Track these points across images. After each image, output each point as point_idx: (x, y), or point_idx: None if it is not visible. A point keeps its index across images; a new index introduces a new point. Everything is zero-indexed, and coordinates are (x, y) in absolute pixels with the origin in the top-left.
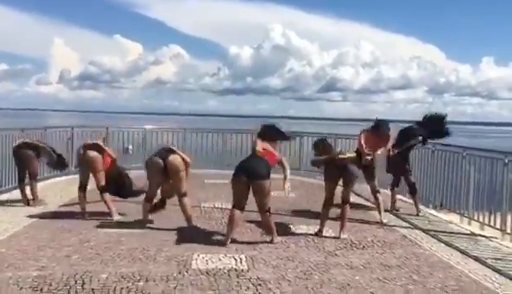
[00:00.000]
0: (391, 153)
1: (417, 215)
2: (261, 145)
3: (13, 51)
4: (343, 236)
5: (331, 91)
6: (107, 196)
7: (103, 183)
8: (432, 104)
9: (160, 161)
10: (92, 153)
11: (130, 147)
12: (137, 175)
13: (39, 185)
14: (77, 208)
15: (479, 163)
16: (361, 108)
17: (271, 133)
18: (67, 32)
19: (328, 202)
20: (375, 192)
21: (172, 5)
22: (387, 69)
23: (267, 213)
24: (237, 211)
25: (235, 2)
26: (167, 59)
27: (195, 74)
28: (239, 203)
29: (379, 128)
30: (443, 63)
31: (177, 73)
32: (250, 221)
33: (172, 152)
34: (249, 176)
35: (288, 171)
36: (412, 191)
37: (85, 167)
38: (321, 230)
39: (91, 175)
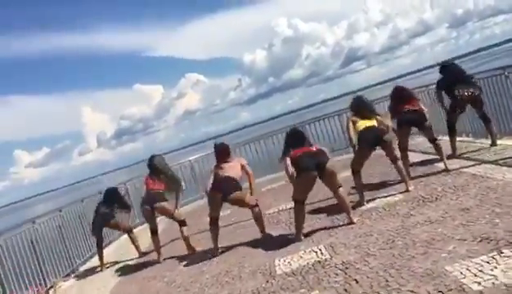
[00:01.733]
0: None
1: (494, 144)
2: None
3: (48, 133)
4: (410, 188)
5: (354, 62)
6: (186, 230)
7: (182, 218)
8: (457, 38)
9: (221, 200)
10: (159, 205)
11: (183, 184)
12: (193, 208)
13: (114, 247)
14: (153, 255)
15: None
16: (388, 67)
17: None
18: (91, 98)
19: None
20: (433, 140)
21: (173, 38)
22: (401, 21)
23: (341, 188)
24: (303, 205)
25: (230, 11)
26: (188, 89)
27: (220, 94)
28: (304, 197)
29: (398, 95)
30: None
31: (202, 98)
32: (315, 211)
33: (233, 185)
34: (319, 169)
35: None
36: (487, 120)
37: (152, 217)
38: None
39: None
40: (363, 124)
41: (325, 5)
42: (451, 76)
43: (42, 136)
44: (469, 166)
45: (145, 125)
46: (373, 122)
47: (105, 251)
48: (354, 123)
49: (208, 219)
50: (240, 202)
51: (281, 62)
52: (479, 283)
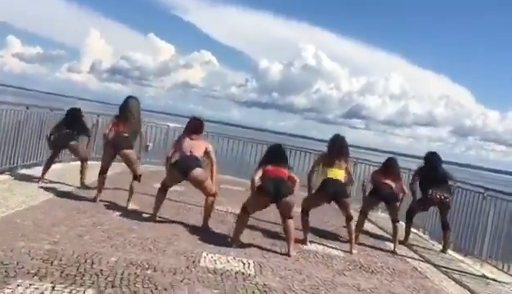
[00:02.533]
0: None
1: (444, 251)
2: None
3: (49, 36)
4: (354, 251)
5: (355, 118)
6: (135, 184)
7: (139, 173)
8: (455, 144)
9: (181, 175)
10: (126, 152)
11: (150, 144)
12: (156, 170)
13: (60, 167)
14: (94, 193)
15: (500, 206)
16: (383, 138)
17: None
18: (104, 25)
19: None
20: (395, 221)
21: (209, 11)
22: (414, 104)
23: (291, 219)
24: (247, 216)
25: (271, 17)
26: (197, 64)
27: (223, 83)
28: (252, 211)
29: (387, 167)
30: (472, 106)
31: (205, 78)
32: (261, 229)
33: (196, 164)
34: (277, 197)
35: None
36: (446, 227)
37: (110, 153)
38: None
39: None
40: (331, 173)
41: (354, 54)
42: (431, 170)
43: (41, 35)
44: (414, 259)
45: (142, 75)
46: (341, 173)
47: (51, 168)
48: (323, 165)
49: (160, 186)
50: (200, 185)
51: (292, 84)
52: None
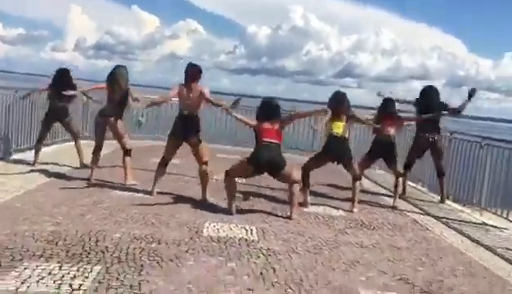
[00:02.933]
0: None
1: (442, 201)
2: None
3: (30, 15)
4: (355, 210)
5: (347, 77)
6: (128, 160)
7: (128, 146)
8: (450, 96)
9: (180, 139)
10: (113, 121)
11: (142, 119)
12: (152, 145)
13: (54, 148)
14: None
15: (497, 154)
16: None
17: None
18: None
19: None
20: (398, 175)
21: None
22: (406, 58)
23: (296, 184)
24: (233, 179)
25: None
26: (183, 33)
27: (211, 51)
28: (237, 176)
29: (386, 109)
30: (464, 56)
31: (193, 48)
32: (261, 195)
33: (195, 125)
34: (270, 168)
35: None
36: (441, 173)
37: (102, 131)
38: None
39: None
40: (335, 127)
41: (343, 12)
42: (428, 104)
43: (22, 16)
44: (414, 212)
45: (128, 49)
46: (343, 128)
47: (45, 150)
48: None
49: (159, 160)
50: (194, 149)
51: (281, 47)
52: None
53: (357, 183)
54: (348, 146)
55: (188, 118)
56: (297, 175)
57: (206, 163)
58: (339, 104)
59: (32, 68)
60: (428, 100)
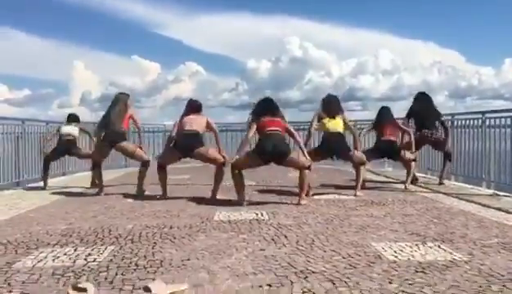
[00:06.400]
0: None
1: (440, 183)
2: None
3: (35, 76)
4: (358, 193)
5: (351, 101)
6: (143, 170)
7: (145, 158)
8: (454, 108)
9: (182, 154)
10: (121, 144)
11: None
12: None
13: (65, 178)
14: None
15: (500, 125)
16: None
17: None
18: (87, 55)
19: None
20: (408, 162)
21: (187, 23)
22: (407, 76)
23: (307, 170)
24: (239, 172)
25: (250, 16)
26: (185, 76)
27: (214, 90)
28: (243, 168)
29: (382, 118)
30: (464, 66)
31: (196, 89)
32: (269, 191)
33: (197, 140)
34: (277, 156)
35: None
36: (448, 157)
37: (103, 150)
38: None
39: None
40: (331, 125)
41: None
42: (421, 111)
43: (27, 77)
44: (424, 192)
45: (132, 98)
46: (338, 124)
47: (56, 179)
48: (321, 119)
49: (157, 165)
50: (206, 158)
51: (282, 79)
52: (396, 257)
53: (361, 167)
54: (345, 140)
55: (190, 134)
56: (305, 161)
57: (224, 163)
58: (330, 104)
59: (41, 127)
60: (424, 108)
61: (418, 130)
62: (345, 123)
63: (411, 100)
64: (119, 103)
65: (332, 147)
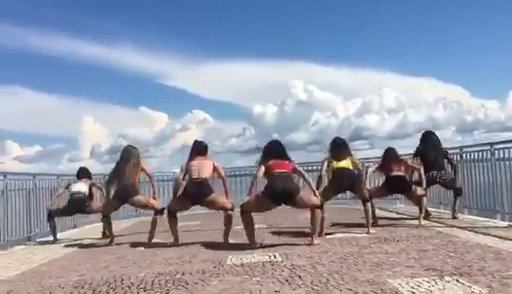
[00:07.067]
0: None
1: (454, 218)
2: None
3: (45, 132)
4: (371, 231)
5: (357, 140)
6: (157, 218)
7: (160, 206)
8: (462, 143)
9: (191, 203)
10: (135, 198)
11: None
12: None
13: (76, 231)
14: (115, 240)
15: (508, 154)
16: None
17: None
18: (95, 109)
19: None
20: (419, 197)
21: (192, 72)
22: (412, 113)
23: (318, 209)
24: (249, 214)
25: (254, 62)
26: (193, 124)
27: (221, 137)
28: (253, 211)
29: (388, 155)
30: (468, 101)
31: (204, 137)
32: (280, 232)
33: (206, 189)
34: (287, 197)
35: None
36: (459, 193)
37: (115, 203)
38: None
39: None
40: (339, 164)
41: (343, 79)
42: (428, 152)
43: (37, 134)
44: (438, 226)
45: (141, 148)
46: (348, 163)
47: (67, 232)
48: (329, 163)
49: (167, 212)
50: (216, 205)
51: (289, 122)
52: (413, 293)
53: (367, 204)
54: (356, 174)
55: (199, 183)
56: (316, 200)
57: (232, 209)
58: (338, 148)
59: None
60: (431, 149)
61: (426, 171)
62: (354, 163)
63: (418, 137)
64: (131, 158)
65: (343, 181)
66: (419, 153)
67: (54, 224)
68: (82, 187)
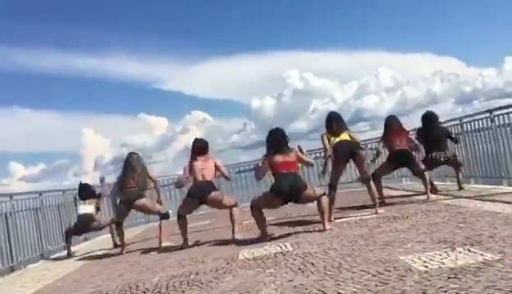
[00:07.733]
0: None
1: (460, 189)
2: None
3: (48, 149)
4: (379, 211)
5: (359, 123)
6: (164, 222)
7: (165, 211)
8: (462, 113)
9: (197, 202)
10: (138, 202)
11: (170, 212)
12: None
13: (88, 244)
14: (126, 248)
15: (510, 124)
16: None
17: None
18: (94, 121)
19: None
20: (421, 173)
21: (185, 74)
22: (410, 90)
23: (324, 196)
24: (259, 210)
25: (247, 57)
26: (193, 125)
27: (223, 134)
28: (262, 207)
29: (388, 127)
30: (465, 71)
31: (205, 136)
32: (293, 222)
33: (210, 188)
34: (294, 193)
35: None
36: (458, 165)
37: (123, 210)
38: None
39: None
40: (337, 138)
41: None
42: (430, 131)
43: (40, 152)
44: (446, 199)
45: (144, 154)
46: (346, 136)
47: (79, 246)
48: (328, 139)
49: (177, 214)
50: (219, 204)
51: (288, 113)
52: (426, 267)
53: (370, 183)
54: (358, 143)
55: (203, 185)
56: (318, 191)
57: (236, 205)
58: (332, 122)
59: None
60: (431, 131)
61: (429, 152)
62: (351, 137)
63: (418, 113)
64: (137, 163)
65: (346, 153)
66: (420, 135)
67: (70, 240)
68: (87, 208)
